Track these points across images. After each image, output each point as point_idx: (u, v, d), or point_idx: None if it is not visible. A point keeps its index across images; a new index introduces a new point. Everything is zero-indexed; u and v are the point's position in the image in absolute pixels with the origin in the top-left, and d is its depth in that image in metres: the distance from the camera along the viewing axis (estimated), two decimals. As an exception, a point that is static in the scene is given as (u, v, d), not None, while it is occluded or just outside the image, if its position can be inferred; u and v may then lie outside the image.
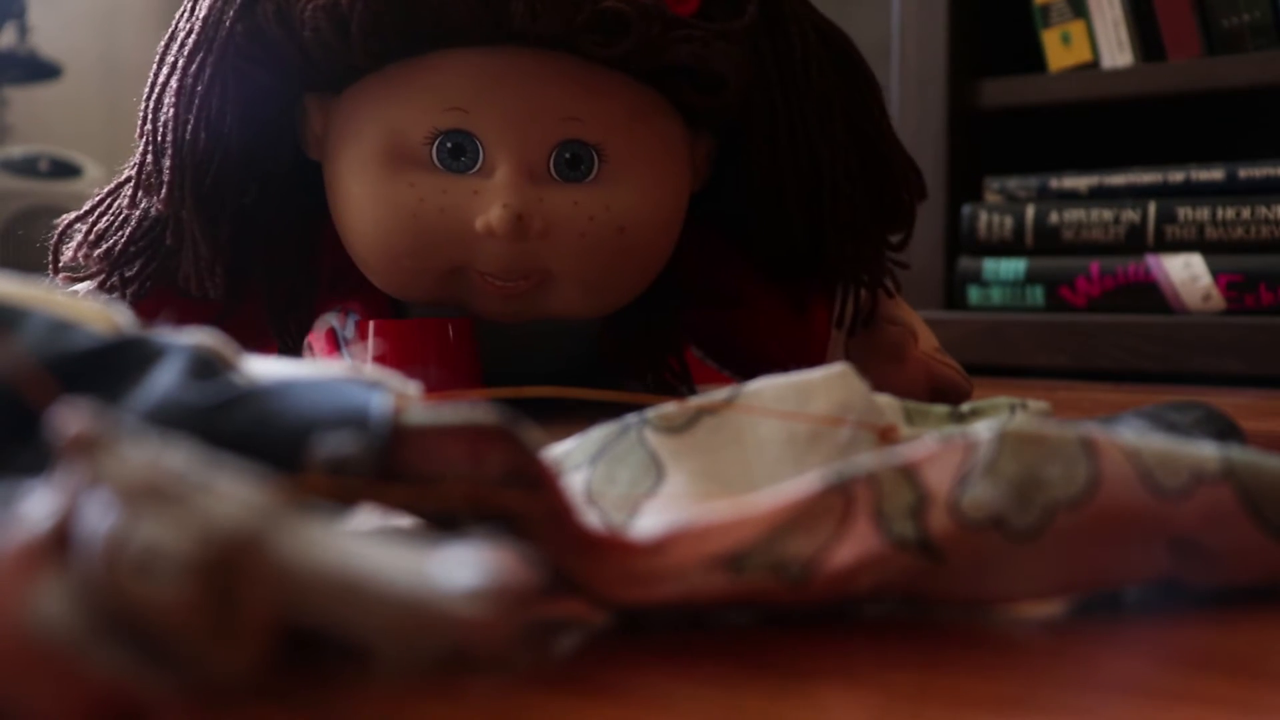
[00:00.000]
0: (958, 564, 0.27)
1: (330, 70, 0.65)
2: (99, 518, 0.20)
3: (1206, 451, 0.29)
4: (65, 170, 1.75)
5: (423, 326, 0.68)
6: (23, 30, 1.81)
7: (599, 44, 0.62)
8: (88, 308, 0.29)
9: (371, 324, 0.68)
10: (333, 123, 0.66)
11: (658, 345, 0.73)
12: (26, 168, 1.74)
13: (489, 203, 0.63)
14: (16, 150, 1.78)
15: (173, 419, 0.25)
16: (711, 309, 0.75)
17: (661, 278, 0.71)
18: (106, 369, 0.27)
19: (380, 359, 0.66)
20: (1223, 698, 0.24)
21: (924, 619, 0.29)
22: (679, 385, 0.74)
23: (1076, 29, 1.18)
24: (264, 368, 0.28)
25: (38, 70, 1.83)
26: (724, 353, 0.78)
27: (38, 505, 0.21)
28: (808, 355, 0.74)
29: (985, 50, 1.24)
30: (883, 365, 0.73)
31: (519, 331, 0.69)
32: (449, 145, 0.63)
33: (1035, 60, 1.21)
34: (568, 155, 0.64)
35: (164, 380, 0.26)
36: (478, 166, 0.64)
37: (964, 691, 0.24)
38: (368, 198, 0.64)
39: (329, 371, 0.27)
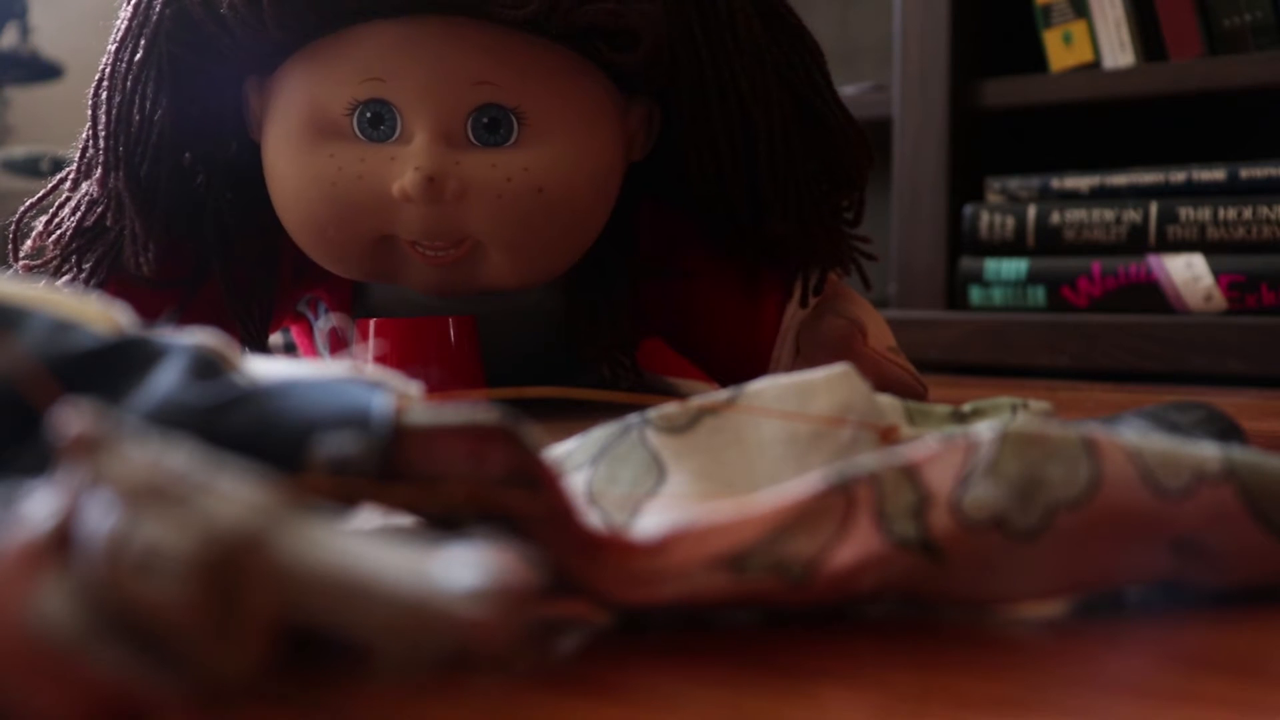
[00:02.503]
0: (959, 564, 0.27)
1: (259, 50, 0.65)
2: (101, 518, 0.20)
3: (1208, 452, 0.29)
4: (67, 170, 1.75)
5: (424, 326, 0.68)
6: (24, 31, 1.81)
7: (509, 6, 0.62)
8: (89, 308, 0.29)
9: (372, 324, 0.69)
10: (266, 102, 0.67)
11: (611, 322, 0.73)
12: (28, 168, 1.74)
13: (405, 168, 0.63)
14: (18, 150, 1.78)
15: (174, 419, 0.25)
16: (668, 293, 0.75)
17: (615, 254, 0.70)
18: (108, 369, 0.27)
19: (381, 359, 0.66)
20: (1223, 698, 0.24)
21: (925, 619, 0.29)
22: (630, 372, 0.74)
23: (1078, 29, 1.18)
24: (265, 368, 0.28)
25: (39, 71, 1.83)
26: (676, 334, 0.78)
27: (39, 505, 0.21)
28: (757, 343, 0.74)
29: (987, 50, 1.24)
30: (830, 359, 0.72)
31: (480, 313, 0.69)
32: (368, 115, 0.64)
33: (1037, 60, 1.21)
34: (485, 120, 0.64)
35: (165, 380, 0.26)
36: (396, 135, 0.64)
37: (965, 691, 0.24)
38: (292, 172, 0.65)
39: (330, 372, 0.28)
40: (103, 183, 0.66)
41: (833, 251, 0.73)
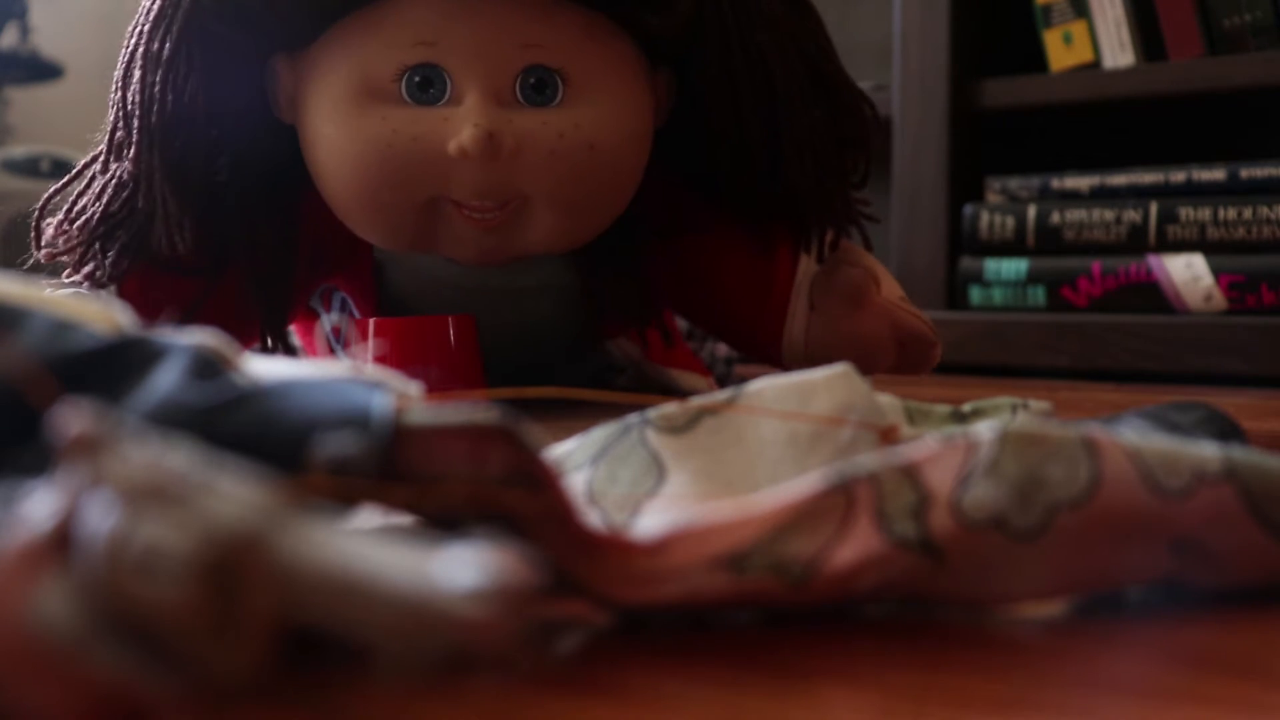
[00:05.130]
0: (959, 564, 0.27)
1: (300, 23, 0.66)
2: (101, 518, 0.20)
3: (1208, 452, 0.29)
4: (67, 171, 1.75)
5: (423, 325, 0.68)
6: (24, 31, 1.81)
7: None
8: (89, 308, 0.29)
9: (372, 323, 0.69)
10: (303, 76, 0.68)
11: (634, 286, 0.74)
12: (28, 168, 1.74)
13: (460, 126, 0.64)
14: (18, 150, 1.78)
15: (174, 419, 0.25)
16: (677, 248, 0.76)
17: (627, 217, 0.71)
18: (108, 369, 0.27)
19: (381, 359, 0.66)
20: (1223, 698, 0.24)
21: (925, 619, 0.29)
22: (659, 339, 0.75)
23: (1078, 29, 1.18)
24: (265, 368, 0.28)
25: (39, 70, 1.83)
26: (689, 297, 0.79)
27: (39, 505, 0.21)
28: (770, 299, 0.75)
29: (987, 50, 1.24)
30: (845, 310, 0.73)
31: (501, 289, 0.70)
32: (417, 79, 0.65)
33: (1037, 60, 1.21)
34: (533, 80, 0.66)
35: (165, 380, 0.26)
36: (447, 97, 0.65)
37: (965, 691, 0.24)
38: (342, 137, 0.66)
39: (330, 372, 0.28)
40: (136, 161, 0.66)
41: (843, 210, 0.75)
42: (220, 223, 0.69)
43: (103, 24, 2.03)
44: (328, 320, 0.76)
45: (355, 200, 0.67)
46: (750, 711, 0.23)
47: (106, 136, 0.68)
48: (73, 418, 0.21)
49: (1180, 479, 0.28)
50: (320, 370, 0.28)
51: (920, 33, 1.23)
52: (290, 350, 0.74)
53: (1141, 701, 0.24)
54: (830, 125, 0.73)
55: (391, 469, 0.25)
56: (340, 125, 0.66)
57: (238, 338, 0.73)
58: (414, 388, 0.28)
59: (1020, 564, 0.27)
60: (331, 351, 0.75)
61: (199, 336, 0.28)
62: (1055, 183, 1.17)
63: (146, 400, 0.26)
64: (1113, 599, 0.30)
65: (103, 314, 0.29)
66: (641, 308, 0.75)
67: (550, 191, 0.66)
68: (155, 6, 0.65)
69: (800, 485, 0.28)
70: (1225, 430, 0.37)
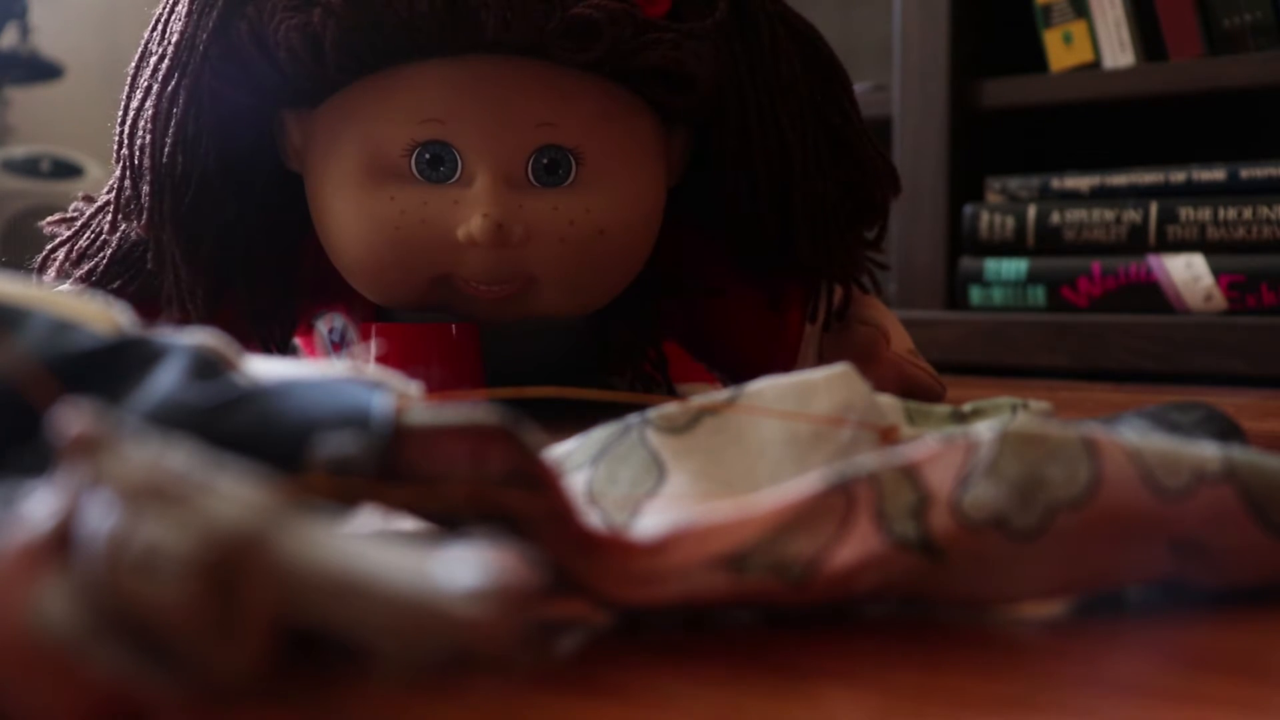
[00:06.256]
0: (959, 564, 0.27)
1: (306, 88, 0.65)
2: (101, 518, 0.20)
3: (1208, 452, 0.29)
4: (67, 170, 1.75)
5: (425, 329, 0.68)
6: (24, 31, 1.81)
7: (571, 50, 0.62)
8: (89, 308, 0.29)
9: (374, 327, 0.68)
10: (311, 137, 0.67)
11: (638, 337, 0.74)
12: (28, 168, 1.74)
13: (469, 212, 0.63)
14: (18, 150, 1.78)
15: (174, 419, 0.25)
16: (687, 303, 0.76)
17: (642, 271, 0.71)
18: (108, 369, 0.27)
19: (382, 360, 0.66)
20: (1223, 698, 0.24)
21: (925, 619, 0.29)
22: (657, 376, 0.75)
23: (1078, 29, 1.18)
24: (265, 368, 0.28)
25: (39, 70, 1.83)
26: (699, 348, 0.79)
27: (39, 505, 0.21)
28: (780, 353, 0.75)
29: (987, 50, 1.24)
30: (854, 365, 0.73)
31: (502, 329, 0.70)
32: (427, 156, 0.64)
33: (1037, 60, 1.21)
34: (545, 161, 0.64)
35: (165, 380, 0.26)
36: (457, 176, 0.64)
37: (965, 692, 0.24)
38: (350, 212, 0.65)
39: (331, 372, 0.28)
40: (148, 228, 0.65)
41: (854, 271, 0.75)
42: (222, 261, 0.68)
43: (103, 24, 2.03)
44: (325, 324, 0.76)
45: (363, 274, 0.67)
46: (751, 711, 0.23)
47: (114, 193, 0.67)
48: (73, 418, 0.21)
49: (1180, 479, 0.28)
50: (320, 370, 0.28)
51: (920, 33, 1.23)
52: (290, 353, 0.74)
53: (1141, 701, 0.24)
54: (846, 192, 0.72)
55: (391, 469, 0.25)
56: (348, 201, 0.65)
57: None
58: (415, 388, 0.27)
59: (1020, 564, 0.27)
60: (329, 356, 0.75)
61: (199, 336, 0.28)
62: (1055, 183, 1.17)
63: (146, 400, 0.26)
64: (1113, 599, 0.30)
65: (103, 314, 0.29)
66: (647, 351, 0.74)
67: (557, 274, 0.65)
68: (163, 66, 0.64)
69: (800, 485, 0.28)
70: (1225, 430, 0.37)
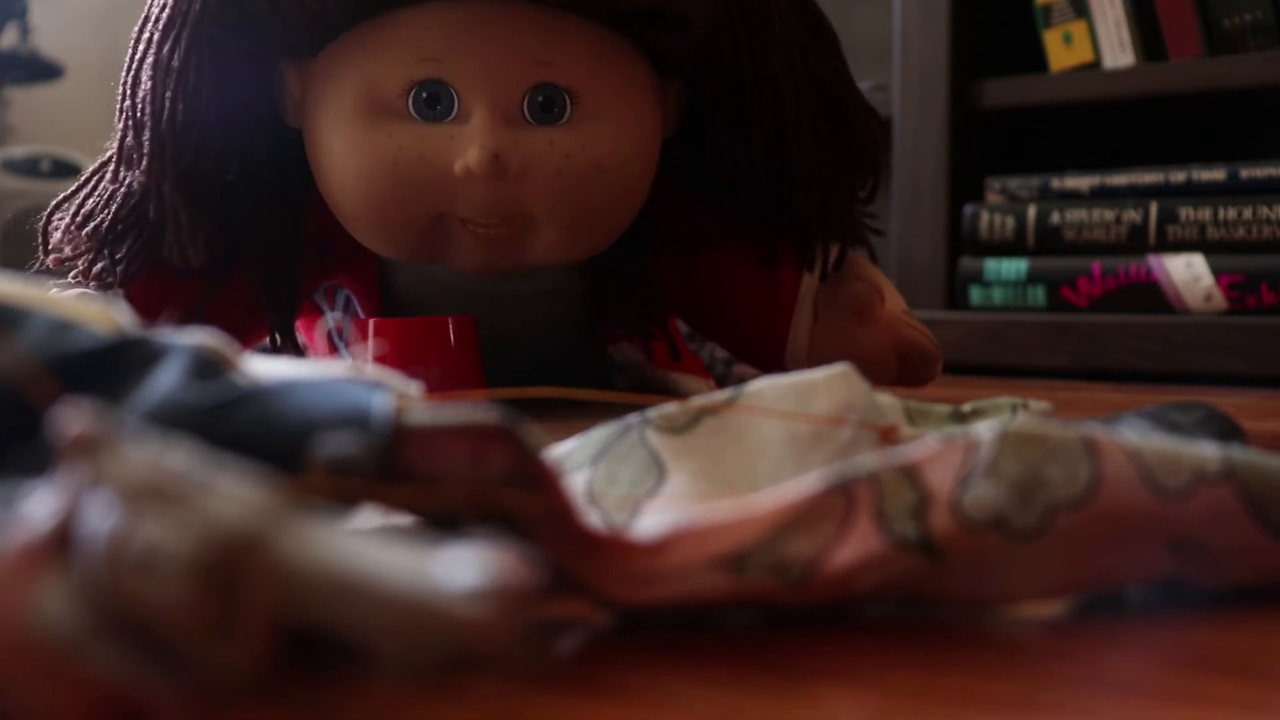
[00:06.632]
0: (959, 564, 0.27)
1: (306, 33, 0.66)
2: (100, 518, 0.20)
3: (1208, 452, 0.29)
4: (67, 170, 1.75)
5: (424, 326, 0.69)
6: (24, 30, 1.81)
7: None
8: (89, 308, 0.29)
9: (372, 323, 0.69)
10: (310, 85, 0.67)
11: (638, 295, 0.74)
12: (28, 168, 1.74)
13: (466, 146, 0.64)
14: (18, 150, 1.78)
15: (174, 419, 0.25)
16: (683, 263, 0.76)
17: (634, 226, 0.71)
18: (108, 369, 0.27)
19: (381, 359, 0.66)
20: (1223, 698, 0.24)
21: (925, 619, 0.29)
22: (657, 330, 0.75)
23: (1078, 29, 1.18)
24: (265, 368, 0.28)
25: (39, 70, 1.83)
26: (694, 306, 0.79)
27: (39, 505, 0.21)
28: (775, 310, 0.75)
29: (987, 50, 1.24)
30: (849, 323, 0.74)
31: (505, 293, 0.70)
32: (424, 95, 0.65)
33: (1037, 60, 1.21)
34: (540, 99, 0.65)
35: (165, 380, 0.26)
36: (454, 114, 0.65)
37: (965, 692, 0.24)
38: (348, 152, 0.65)
39: (330, 372, 0.28)
40: (149, 173, 0.66)
41: (849, 227, 0.75)
42: (229, 225, 0.69)
43: (103, 24, 2.03)
44: (330, 318, 0.76)
45: (360, 214, 0.67)
46: (751, 711, 0.23)
47: (116, 144, 0.68)
48: (73, 418, 0.21)
49: (1180, 479, 0.28)
50: (320, 370, 0.28)
51: (920, 33, 1.23)
52: (297, 348, 0.74)
53: (1141, 701, 0.24)
54: (840, 148, 0.73)
55: (391, 469, 0.25)
56: (346, 140, 0.65)
57: (244, 335, 0.73)
58: (414, 388, 0.28)
59: (1020, 564, 0.27)
60: (334, 349, 0.75)
61: (199, 336, 0.28)
62: (1055, 183, 1.17)
63: (146, 400, 0.26)
64: (1113, 599, 0.30)
65: (103, 314, 0.29)
66: (644, 315, 0.75)
67: (555, 211, 0.66)
68: (163, 15, 0.65)
69: (800, 485, 0.28)
70: (1225, 430, 0.37)
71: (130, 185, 0.68)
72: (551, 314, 0.75)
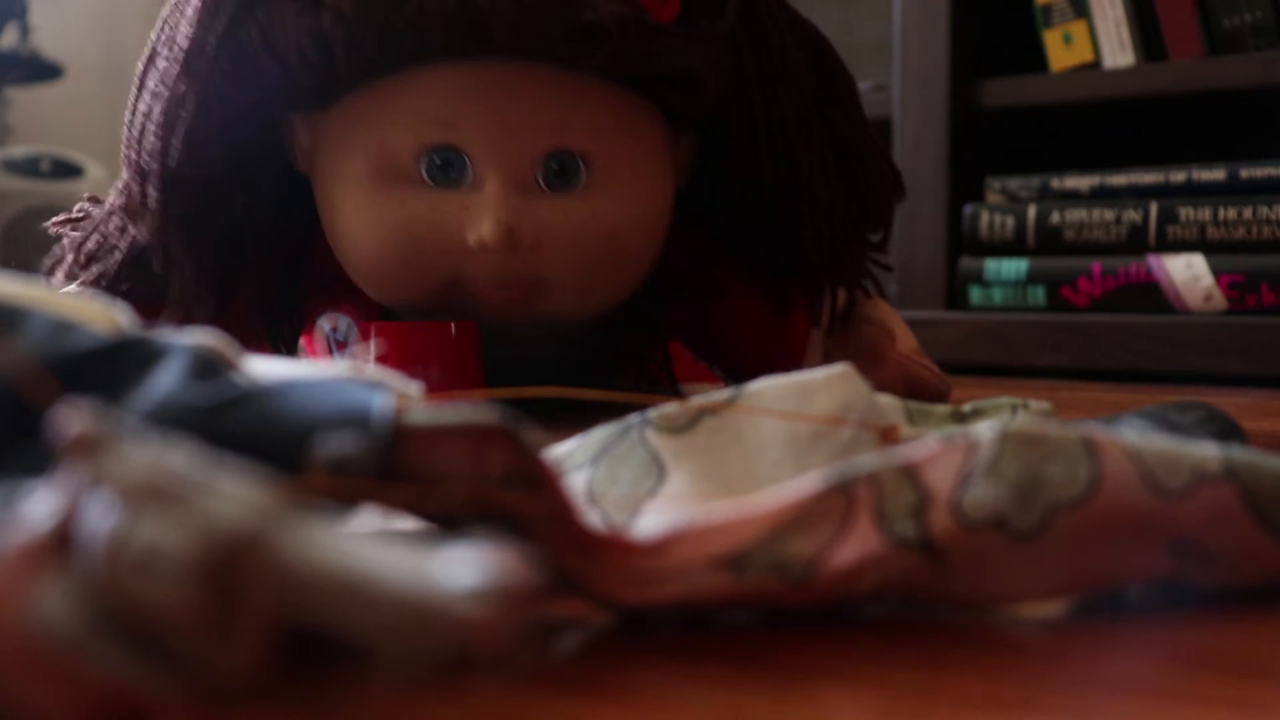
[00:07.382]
0: (959, 564, 0.27)
1: (316, 89, 0.65)
2: (100, 518, 0.20)
3: (1208, 451, 0.29)
4: (67, 170, 1.75)
5: (425, 327, 0.68)
6: (24, 30, 1.81)
7: (579, 54, 0.62)
8: (89, 308, 0.29)
9: (373, 327, 0.69)
10: (320, 139, 0.66)
11: (643, 338, 0.74)
12: (28, 168, 1.74)
13: (479, 216, 0.63)
14: (18, 151, 1.78)
15: (174, 419, 0.25)
16: (693, 306, 0.76)
17: (646, 277, 0.71)
18: (108, 369, 0.27)
19: (382, 360, 0.66)
20: (1223, 698, 0.24)
21: (925, 619, 0.29)
22: (662, 377, 0.75)
23: (1078, 29, 1.18)
24: (265, 368, 0.28)
25: (39, 71, 1.83)
26: (704, 349, 0.79)
27: (39, 505, 0.21)
28: (786, 355, 0.75)
29: (987, 50, 1.24)
30: (860, 366, 0.74)
31: (508, 332, 0.70)
32: (437, 161, 0.64)
33: (1037, 60, 1.21)
34: (555, 165, 0.64)
35: (165, 380, 0.26)
36: (467, 180, 0.64)
37: (965, 692, 0.24)
38: (360, 216, 0.65)
39: (330, 372, 0.27)
40: (155, 234, 0.65)
41: (858, 274, 0.75)
42: (234, 267, 0.69)
43: (103, 24, 2.03)
44: (327, 323, 0.76)
45: (371, 273, 0.67)
46: (751, 712, 0.23)
47: (122, 194, 0.67)
48: (73, 418, 0.21)
49: (1180, 479, 0.28)
50: (320, 370, 0.28)
51: (920, 33, 1.23)
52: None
53: (1141, 701, 0.24)
54: (851, 199, 0.73)
55: (391, 469, 0.25)
56: (359, 204, 0.64)
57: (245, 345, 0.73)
58: (414, 388, 0.27)
59: (1020, 564, 0.27)
60: (331, 355, 0.75)
61: (199, 336, 0.28)
62: (1055, 183, 1.17)
63: (146, 400, 0.26)
64: (1113, 599, 0.30)
65: (103, 314, 0.29)
66: (651, 351, 0.75)
67: (567, 277, 0.65)
68: (174, 68, 0.63)
69: (800, 485, 0.28)
70: (1225, 430, 0.37)
71: (136, 240, 0.68)
72: (555, 353, 0.74)
